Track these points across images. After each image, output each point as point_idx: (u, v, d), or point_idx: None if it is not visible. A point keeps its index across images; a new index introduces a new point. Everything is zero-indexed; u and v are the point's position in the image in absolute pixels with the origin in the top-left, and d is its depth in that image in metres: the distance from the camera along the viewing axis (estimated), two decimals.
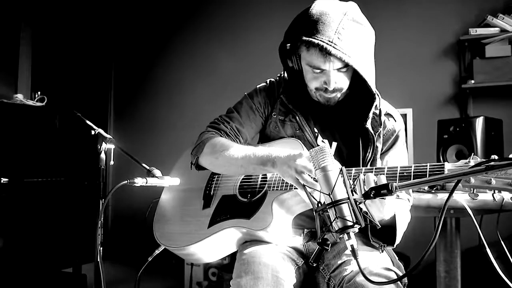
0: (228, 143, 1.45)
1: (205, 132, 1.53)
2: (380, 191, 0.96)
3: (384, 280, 1.18)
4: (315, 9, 1.30)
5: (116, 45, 4.74)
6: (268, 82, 1.58)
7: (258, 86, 1.58)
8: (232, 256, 1.50)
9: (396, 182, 1.10)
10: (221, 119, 1.56)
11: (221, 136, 1.50)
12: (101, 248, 1.79)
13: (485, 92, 3.25)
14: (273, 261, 1.29)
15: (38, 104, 3.21)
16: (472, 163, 1.01)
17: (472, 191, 0.97)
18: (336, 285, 1.27)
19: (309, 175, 1.18)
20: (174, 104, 4.46)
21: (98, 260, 1.74)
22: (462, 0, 3.42)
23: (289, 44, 1.36)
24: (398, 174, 1.12)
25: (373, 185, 1.08)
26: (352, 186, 1.04)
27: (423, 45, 3.51)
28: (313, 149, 1.05)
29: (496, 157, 0.94)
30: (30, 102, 3.22)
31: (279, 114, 1.50)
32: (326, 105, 1.44)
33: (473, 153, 1.05)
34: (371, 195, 0.97)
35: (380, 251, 1.37)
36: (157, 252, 1.70)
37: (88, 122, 2.00)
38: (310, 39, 1.25)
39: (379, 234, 1.35)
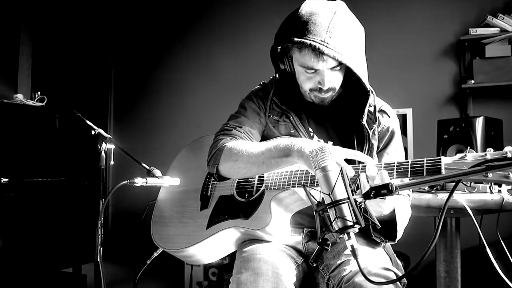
0: (245, 143, 1.41)
1: (218, 140, 1.45)
2: (380, 191, 0.96)
3: (383, 280, 1.18)
4: (304, 10, 1.30)
5: (116, 46, 4.74)
6: (261, 84, 1.58)
7: (252, 89, 1.58)
8: (232, 256, 1.50)
9: (394, 179, 1.10)
10: (231, 125, 1.50)
11: (236, 140, 1.45)
12: (101, 248, 1.80)
13: (485, 92, 3.25)
14: (273, 258, 1.29)
15: (38, 104, 3.22)
16: (468, 157, 1.00)
17: (469, 185, 0.97)
18: (335, 285, 1.27)
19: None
20: (174, 105, 4.46)
21: (98, 260, 1.74)
22: (462, 0, 3.43)
23: (280, 47, 1.36)
24: (395, 170, 1.12)
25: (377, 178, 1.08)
26: (353, 186, 1.04)
27: (423, 45, 3.52)
28: (312, 149, 1.05)
29: (492, 150, 0.95)
30: (30, 102, 3.22)
31: (274, 115, 1.50)
32: (320, 105, 1.44)
33: (469, 147, 1.04)
34: (371, 195, 0.97)
35: (382, 246, 1.37)
36: (155, 254, 1.69)
37: (88, 122, 2.01)
38: (302, 39, 1.25)
39: (380, 229, 1.34)
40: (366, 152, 1.40)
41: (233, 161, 1.36)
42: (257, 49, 3.98)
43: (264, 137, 1.53)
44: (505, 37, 3.08)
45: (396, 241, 1.34)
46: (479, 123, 2.16)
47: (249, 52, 4.10)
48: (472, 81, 3.16)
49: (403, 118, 2.44)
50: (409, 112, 2.44)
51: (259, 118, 1.52)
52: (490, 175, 0.92)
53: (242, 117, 1.51)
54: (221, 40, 4.27)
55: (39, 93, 3.27)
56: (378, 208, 1.21)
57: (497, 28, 3.13)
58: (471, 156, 1.00)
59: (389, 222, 1.29)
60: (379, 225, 1.04)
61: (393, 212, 1.27)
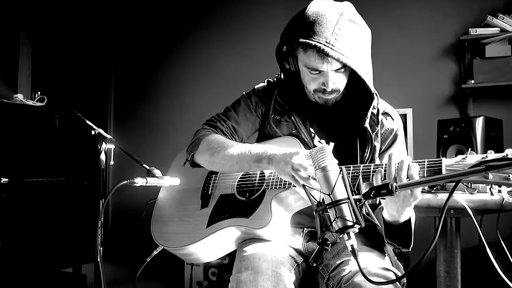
0: (224, 140, 1.45)
1: (201, 130, 1.53)
2: (380, 191, 0.96)
3: (383, 280, 1.18)
4: (311, 10, 1.30)
5: (116, 46, 4.74)
6: (266, 82, 1.58)
7: (256, 86, 1.59)
8: (232, 256, 1.50)
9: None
10: (217, 118, 1.55)
11: (217, 134, 1.50)
12: (101, 248, 1.80)
13: (485, 92, 3.25)
14: (273, 257, 1.30)
15: (38, 104, 3.22)
16: (469, 158, 1.01)
17: (469, 186, 0.97)
18: (334, 285, 1.27)
19: (306, 173, 1.18)
20: (175, 105, 4.46)
21: (98, 260, 1.74)
22: (462, 0, 3.43)
23: (285, 47, 1.36)
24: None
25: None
26: (353, 185, 1.04)
27: (423, 45, 3.51)
28: (313, 149, 1.05)
29: (493, 152, 0.95)
30: (30, 102, 3.22)
31: (276, 114, 1.50)
32: (323, 106, 1.44)
33: (469, 149, 1.05)
34: (371, 195, 0.97)
35: (396, 252, 1.36)
36: (155, 252, 1.69)
37: (88, 122, 2.01)
38: (307, 40, 1.25)
39: (393, 236, 1.30)
40: (368, 155, 1.40)
41: (209, 154, 1.43)
42: (258, 50, 3.98)
43: (266, 136, 1.53)
44: (505, 37, 3.08)
45: (410, 248, 1.31)
46: (479, 123, 2.16)
47: (250, 53, 4.10)
48: (472, 81, 3.16)
49: (403, 118, 2.44)
50: (409, 112, 2.44)
51: (250, 115, 1.54)
52: (490, 176, 0.92)
53: (231, 111, 1.56)
54: (222, 40, 4.27)
55: (39, 93, 3.27)
56: (396, 214, 1.18)
57: (497, 28, 3.13)
58: (471, 158, 1.00)
59: (403, 230, 1.26)
60: (379, 225, 1.04)
61: (409, 219, 1.25)
